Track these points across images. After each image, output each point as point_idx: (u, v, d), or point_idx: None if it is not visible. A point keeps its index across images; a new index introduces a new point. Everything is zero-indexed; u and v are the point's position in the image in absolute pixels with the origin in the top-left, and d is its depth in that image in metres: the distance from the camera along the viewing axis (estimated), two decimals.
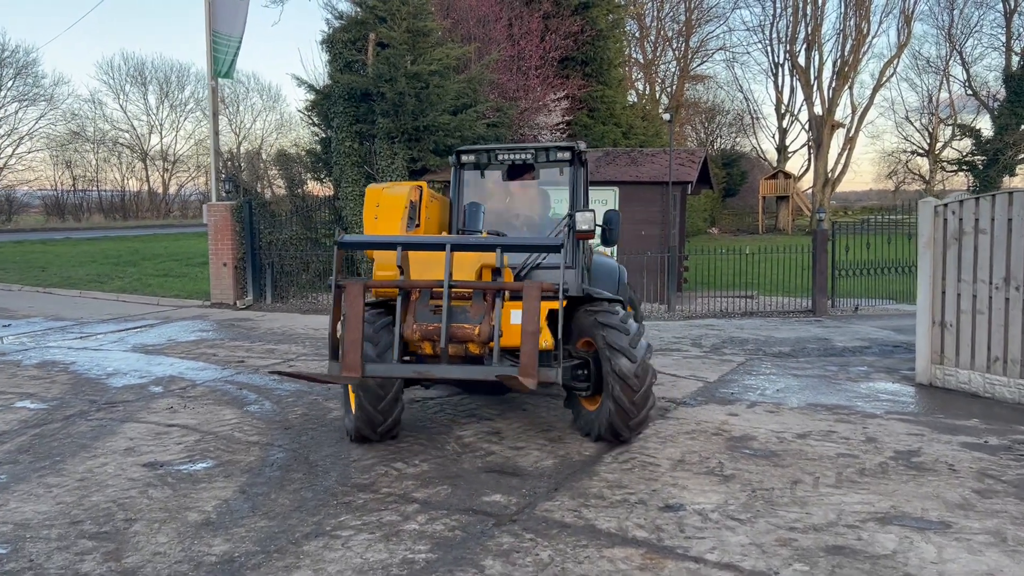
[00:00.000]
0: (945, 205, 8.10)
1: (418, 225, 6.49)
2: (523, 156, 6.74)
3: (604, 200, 15.23)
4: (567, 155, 6.71)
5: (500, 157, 6.78)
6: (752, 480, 5.34)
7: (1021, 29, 45.30)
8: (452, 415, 7.08)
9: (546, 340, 5.82)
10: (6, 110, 46.34)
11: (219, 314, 13.83)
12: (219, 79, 15.94)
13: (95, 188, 52.77)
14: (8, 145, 46.46)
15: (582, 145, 6.98)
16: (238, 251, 14.88)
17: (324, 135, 17.70)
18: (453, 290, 5.44)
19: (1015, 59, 43.71)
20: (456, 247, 5.42)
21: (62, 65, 78.21)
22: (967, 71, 48.76)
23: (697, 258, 15.75)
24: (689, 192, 15.97)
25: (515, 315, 5.72)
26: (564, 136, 20.35)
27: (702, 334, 11.39)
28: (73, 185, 51.90)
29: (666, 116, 15.60)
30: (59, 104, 54.01)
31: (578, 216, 6.03)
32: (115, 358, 9.83)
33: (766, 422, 6.80)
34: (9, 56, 46.34)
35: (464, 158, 6.90)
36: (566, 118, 20.43)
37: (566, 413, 6.99)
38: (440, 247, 5.42)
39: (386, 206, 6.44)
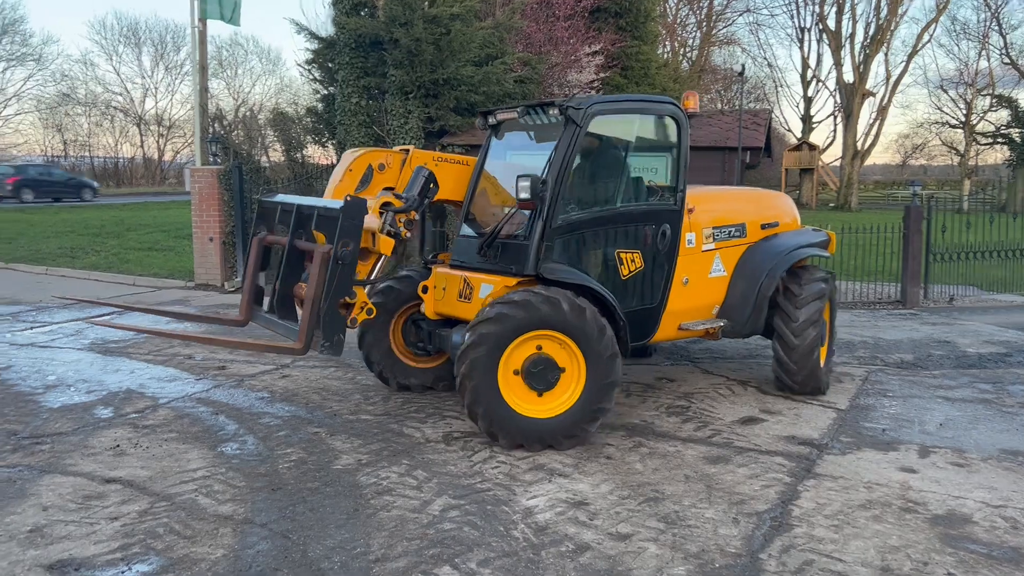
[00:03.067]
0: None
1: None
2: (508, 116, 6.16)
3: (654, 168, 13.06)
4: (556, 114, 5.72)
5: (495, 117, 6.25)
6: None
7: None
8: (509, 466, 5.01)
9: None
10: None
11: (203, 298, 11.71)
12: (223, 23, 13.70)
13: (87, 154, 50.45)
14: None
15: (581, 102, 5.74)
16: (226, 224, 12.73)
17: (327, 92, 15.46)
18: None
19: None
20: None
21: (51, 23, 75.17)
22: (1004, 39, 46.12)
23: None
24: (748, 160, 13.76)
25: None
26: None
27: None
28: (64, 150, 49.60)
29: (737, 68, 13.36)
30: (48, 64, 51.60)
31: (520, 183, 5.26)
32: (63, 361, 7.74)
33: (965, 486, 4.73)
34: None
35: (491, 119, 6.33)
36: (600, 75, 18.17)
37: (670, 463, 4.93)
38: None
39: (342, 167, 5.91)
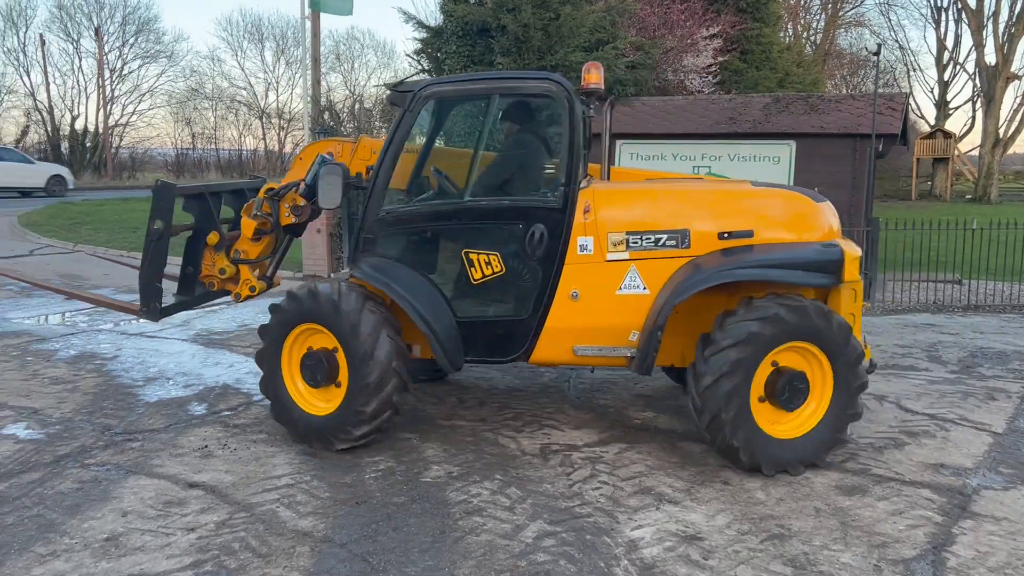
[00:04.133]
0: None
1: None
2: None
3: (776, 157, 12.22)
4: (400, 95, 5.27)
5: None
6: None
7: None
8: (612, 487, 4.52)
9: None
10: (129, 67, 46.36)
11: None
12: (334, 15, 13.71)
13: (213, 146, 52.69)
14: (130, 102, 46.56)
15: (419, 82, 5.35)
16: (334, 215, 12.69)
17: None
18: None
19: None
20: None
21: (182, 21, 78.94)
22: None
23: (883, 232, 12.43)
24: (879, 150, 12.66)
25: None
26: (716, 83, 17.24)
27: (933, 340, 8.35)
28: (192, 143, 51.94)
29: (871, 47, 12.30)
30: (179, 61, 54.05)
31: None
32: (167, 352, 7.75)
33: None
34: (131, 13, 46.26)
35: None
36: (718, 59, 17.24)
37: (796, 493, 4.33)
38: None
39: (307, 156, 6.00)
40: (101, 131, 42.64)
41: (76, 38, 44.33)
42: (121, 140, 46.00)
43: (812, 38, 42.63)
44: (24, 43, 43.19)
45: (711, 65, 16.80)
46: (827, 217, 5.06)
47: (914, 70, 56.78)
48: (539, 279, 5.06)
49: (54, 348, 7.88)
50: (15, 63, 47.21)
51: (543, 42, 12.63)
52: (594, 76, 5.18)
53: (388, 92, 5.59)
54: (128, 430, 5.50)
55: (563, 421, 5.71)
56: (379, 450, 5.12)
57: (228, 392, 6.43)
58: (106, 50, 42.74)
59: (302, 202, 5.70)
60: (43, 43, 42.88)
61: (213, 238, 5.80)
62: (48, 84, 43.01)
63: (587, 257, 5.01)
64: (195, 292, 6.02)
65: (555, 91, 5.04)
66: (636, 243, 4.96)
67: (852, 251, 4.82)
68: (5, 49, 50.71)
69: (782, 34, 32.81)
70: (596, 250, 4.99)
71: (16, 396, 6.24)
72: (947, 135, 40.27)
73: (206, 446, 5.20)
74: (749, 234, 4.90)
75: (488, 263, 5.12)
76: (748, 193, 5.16)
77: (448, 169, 5.65)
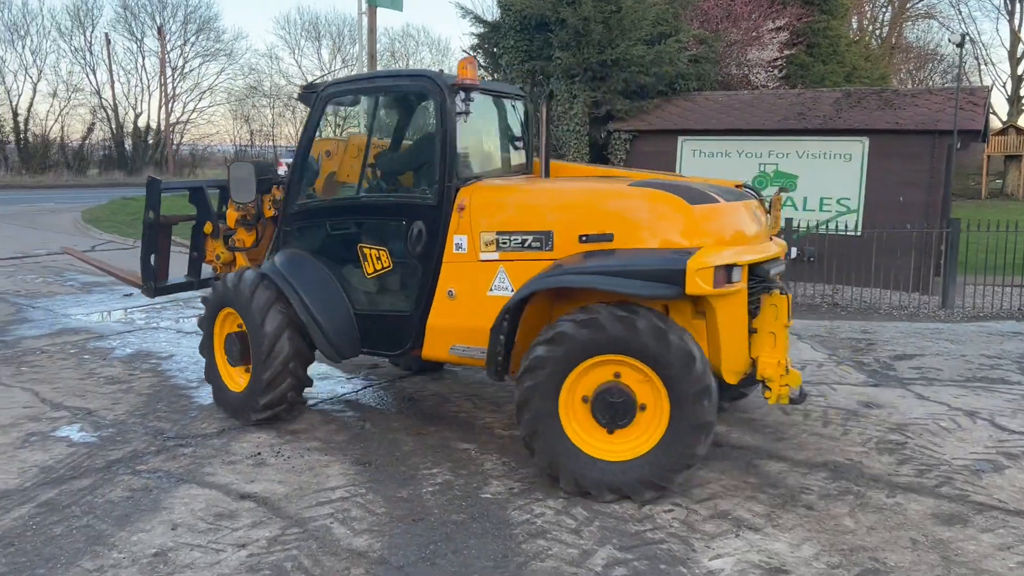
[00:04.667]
0: None
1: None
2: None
3: (847, 155, 11.67)
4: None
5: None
6: None
7: None
8: (685, 510, 4.20)
9: None
10: (190, 65, 47.25)
11: None
12: (385, 8, 13.63)
13: (271, 142, 53.41)
14: (191, 100, 47.44)
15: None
16: None
17: (491, 78, 15.00)
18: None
19: None
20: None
21: (241, 20, 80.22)
22: None
23: (963, 234, 11.76)
24: (958, 146, 11.99)
25: None
26: (781, 77, 16.63)
27: (1023, 351, 7.81)
28: (251, 140, 52.72)
29: (954, 39, 11.69)
30: (238, 59, 54.93)
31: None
32: None
33: None
34: (193, 12, 47.13)
35: None
36: (785, 53, 16.63)
37: (889, 521, 3.96)
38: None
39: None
40: (163, 128, 43.53)
41: (140, 37, 45.39)
42: (182, 137, 46.94)
43: (878, 31, 41.30)
44: (91, 42, 44.38)
45: (777, 59, 16.21)
46: (705, 221, 4.42)
47: (986, 64, 54.63)
48: (420, 276, 5.08)
49: (111, 346, 7.86)
50: (82, 62, 48.62)
51: (603, 35, 12.30)
52: (468, 72, 4.96)
53: (298, 93, 5.90)
54: (181, 435, 5.37)
55: None
56: (436, 462, 4.89)
57: None
58: (168, 49, 43.63)
59: (280, 196, 5.88)
60: (108, 42, 43.97)
61: (208, 227, 6.50)
62: (113, 82, 44.13)
63: (462, 256, 4.93)
64: (200, 275, 6.88)
65: (429, 88, 5.06)
66: (505, 243, 4.80)
67: (707, 260, 4.10)
68: (73, 48, 52.21)
69: (852, 26, 31.78)
70: (470, 249, 4.90)
71: (72, 396, 6.18)
72: (1020, 131, 38.61)
73: (259, 453, 5.03)
74: (609, 238, 4.51)
75: (379, 258, 5.24)
76: (613, 194, 4.73)
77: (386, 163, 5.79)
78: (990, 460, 4.94)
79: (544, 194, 5.05)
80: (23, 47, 42.58)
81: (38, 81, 47.57)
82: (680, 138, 12.68)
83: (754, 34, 15.63)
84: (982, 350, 7.77)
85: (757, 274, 4.56)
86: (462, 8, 14.25)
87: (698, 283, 4.07)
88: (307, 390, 5.71)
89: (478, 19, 14.42)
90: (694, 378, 4.10)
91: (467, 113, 4.99)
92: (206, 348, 5.77)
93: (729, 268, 4.19)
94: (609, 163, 13.02)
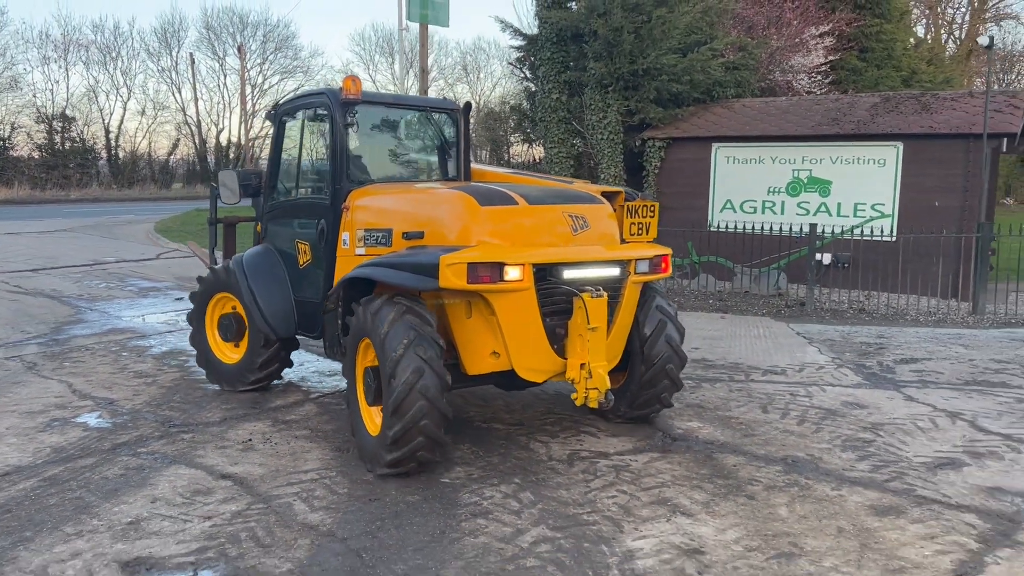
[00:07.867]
0: None
1: None
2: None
3: (881, 160, 11.53)
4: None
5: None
6: None
7: None
8: (628, 496, 4.39)
9: None
10: (269, 82, 49.15)
11: None
12: (429, 24, 14.14)
13: None
14: None
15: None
16: None
17: (533, 89, 15.35)
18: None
19: None
20: None
21: (318, 37, 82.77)
22: None
23: (1006, 240, 11.42)
24: (1003, 149, 11.68)
25: None
26: (827, 82, 16.41)
27: None
28: None
29: (983, 40, 11.43)
30: (314, 75, 56.61)
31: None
32: None
33: None
34: (272, 30, 49.05)
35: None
36: (830, 58, 16.42)
37: (823, 511, 4.06)
38: None
39: None
40: (243, 143, 45.37)
41: (222, 56, 47.52)
42: (261, 152, 48.72)
43: (956, 33, 39.94)
44: (176, 62, 46.71)
45: (822, 64, 16.03)
46: (493, 221, 4.71)
47: None
48: (325, 268, 5.77)
49: (149, 344, 8.45)
50: (168, 81, 51.00)
51: (634, 45, 12.47)
52: (350, 87, 5.57)
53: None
54: (186, 422, 5.82)
55: (602, 428, 5.61)
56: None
57: (289, 389, 6.70)
58: (248, 66, 45.51)
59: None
60: (192, 62, 46.20)
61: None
62: (196, 100, 46.35)
63: (346, 251, 5.59)
64: None
65: (325, 103, 5.82)
66: (368, 240, 5.40)
67: (461, 257, 4.37)
68: (160, 68, 54.91)
69: (919, 29, 30.88)
70: (351, 244, 5.54)
71: (100, 388, 6.74)
72: None
73: (250, 440, 5.43)
74: (420, 235, 4.99)
75: (305, 251, 6.04)
76: (426, 197, 5.38)
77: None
78: (952, 459, 4.95)
79: (391, 198, 5.62)
80: (115, 68, 45.18)
81: (128, 100, 50.34)
82: (714, 145, 12.73)
83: (797, 40, 15.51)
84: (994, 355, 7.64)
85: (563, 277, 4.72)
86: (502, 22, 14.64)
87: (450, 277, 4.39)
88: (311, 384, 6.11)
89: (518, 32, 14.78)
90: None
91: (352, 125, 5.71)
92: (196, 321, 6.67)
93: (499, 266, 4.42)
94: (642, 170, 13.15)
